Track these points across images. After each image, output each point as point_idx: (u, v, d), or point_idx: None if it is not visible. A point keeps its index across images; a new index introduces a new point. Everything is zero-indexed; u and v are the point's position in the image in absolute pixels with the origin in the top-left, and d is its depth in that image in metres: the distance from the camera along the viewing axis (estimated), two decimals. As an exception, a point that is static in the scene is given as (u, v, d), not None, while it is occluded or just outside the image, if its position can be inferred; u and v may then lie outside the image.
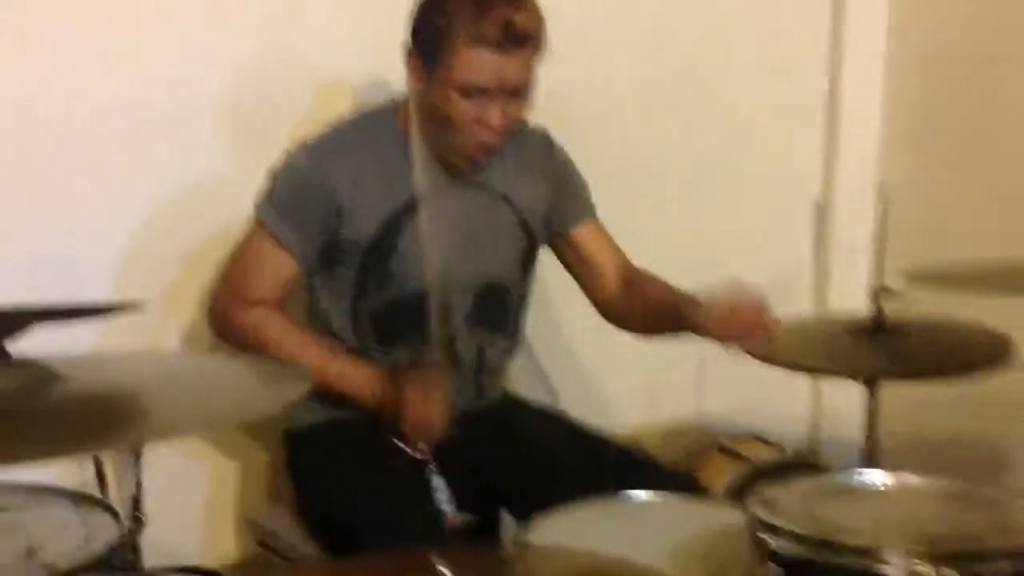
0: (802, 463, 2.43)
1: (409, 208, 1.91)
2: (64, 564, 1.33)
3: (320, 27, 2.19)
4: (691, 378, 2.60)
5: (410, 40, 1.87)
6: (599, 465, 1.91)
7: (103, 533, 1.41)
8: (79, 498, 1.51)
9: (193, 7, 2.09)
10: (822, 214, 2.78)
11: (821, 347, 2.03)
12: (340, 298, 1.96)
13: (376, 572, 1.26)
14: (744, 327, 1.77)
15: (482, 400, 2.05)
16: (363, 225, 1.90)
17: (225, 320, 1.94)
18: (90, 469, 1.68)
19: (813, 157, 2.77)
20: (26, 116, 1.98)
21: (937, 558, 1.25)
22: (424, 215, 1.91)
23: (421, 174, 1.91)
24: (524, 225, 2.03)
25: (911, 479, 1.53)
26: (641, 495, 1.71)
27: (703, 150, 2.61)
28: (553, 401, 2.38)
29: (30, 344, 1.20)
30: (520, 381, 2.26)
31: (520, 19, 1.79)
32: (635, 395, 2.63)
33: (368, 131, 1.96)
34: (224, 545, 2.26)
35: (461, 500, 1.78)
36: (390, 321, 1.95)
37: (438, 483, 1.76)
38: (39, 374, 1.17)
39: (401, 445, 1.82)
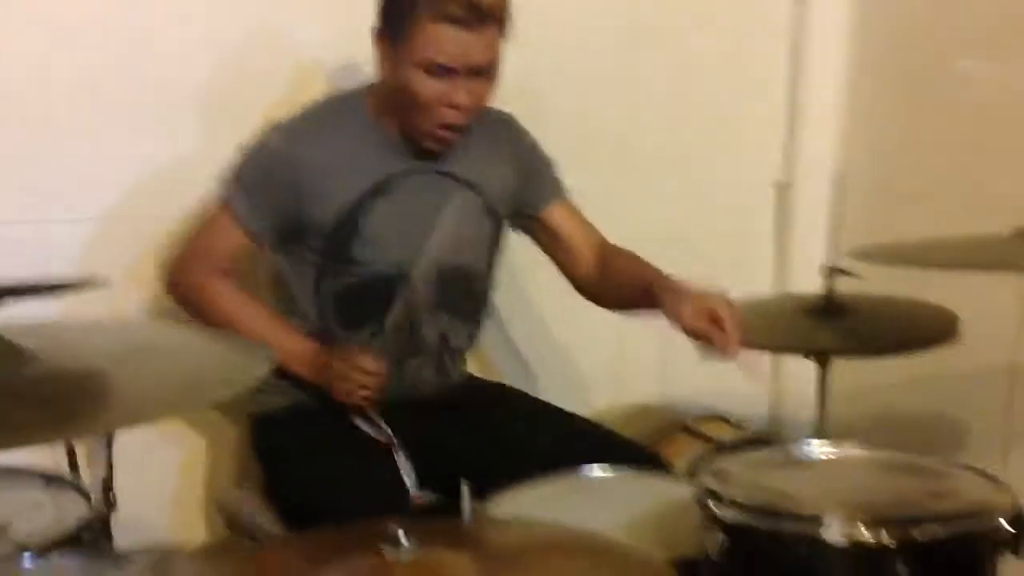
0: (761, 440, 2.45)
1: (373, 192, 1.93)
2: (35, 542, 1.35)
3: (298, 9, 2.21)
4: (656, 360, 2.60)
5: (378, 19, 1.88)
6: (563, 444, 1.92)
7: (74, 512, 1.43)
8: (50, 479, 1.53)
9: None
10: (783, 195, 2.82)
11: (776, 325, 2.07)
12: (304, 280, 1.98)
13: (338, 545, 1.29)
14: (711, 329, 1.74)
15: (446, 382, 2.07)
16: (327, 208, 1.92)
17: (177, 278, 2.00)
18: (61, 449, 1.69)
19: (774, 140, 2.80)
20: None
21: (875, 523, 1.29)
22: (388, 200, 1.93)
23: (387, 159, 1.94)
24: (490, 211, 2.04)
25: (855, 451, 1.57)
26: (601, 471, 1.75)
27: (668, 131, 2.64)
28: (523, 380, 2.40)
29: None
30: (487, 360, 2.28)
31: None
32: (600, 377, 2.65)
33: (337, 114, 1.97)
34: (194, 526, 2.28)
35: (426, 480, 1.79)
36: (353, 304, 1.97)
37: (403, 464, 1.78)
38: (7, 352, 1.16)
39: (364, 427, 1.86)
